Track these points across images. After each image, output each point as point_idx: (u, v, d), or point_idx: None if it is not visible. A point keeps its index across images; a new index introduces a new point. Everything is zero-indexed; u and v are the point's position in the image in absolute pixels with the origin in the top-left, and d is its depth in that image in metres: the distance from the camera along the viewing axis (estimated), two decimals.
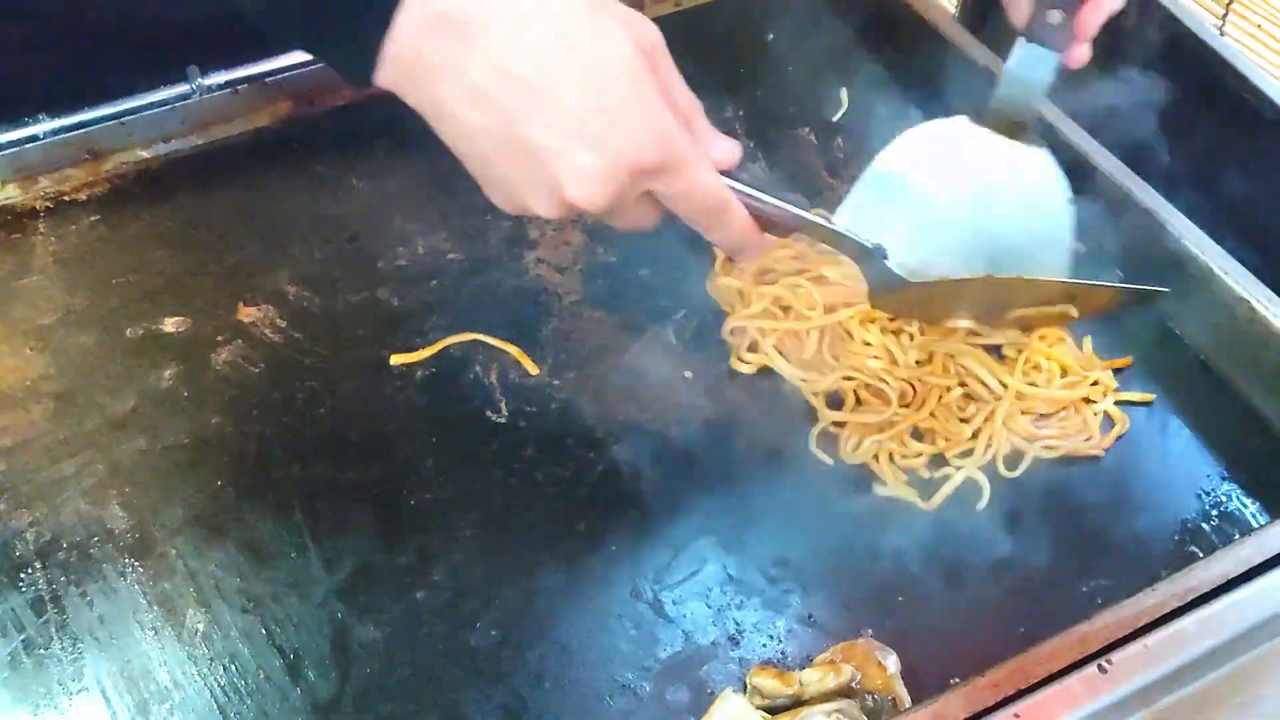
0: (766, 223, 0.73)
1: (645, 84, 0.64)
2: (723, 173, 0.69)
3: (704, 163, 0.68)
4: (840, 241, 0.78)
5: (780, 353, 0.87)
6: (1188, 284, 0.89)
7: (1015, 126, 0.86)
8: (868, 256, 0.79)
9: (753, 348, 0.88)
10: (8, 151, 0.98)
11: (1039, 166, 0.87)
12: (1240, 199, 0.96)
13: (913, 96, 1.07)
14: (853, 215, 0.88)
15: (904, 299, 0.83)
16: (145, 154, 1.00)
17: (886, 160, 0.88)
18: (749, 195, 0.71)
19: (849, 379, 0.86)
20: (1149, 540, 0.80)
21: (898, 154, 0.88)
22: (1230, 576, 0.70)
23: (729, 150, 0.71)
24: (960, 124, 0.87)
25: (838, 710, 0.68)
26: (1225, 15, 1.10)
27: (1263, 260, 0.89)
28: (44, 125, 1.00)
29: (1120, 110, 0.98)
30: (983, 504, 0.81)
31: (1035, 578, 0.78)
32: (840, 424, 0.84)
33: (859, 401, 0.85)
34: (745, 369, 0.87)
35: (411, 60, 0.63)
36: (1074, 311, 0.86)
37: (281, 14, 0.68)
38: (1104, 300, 0.88)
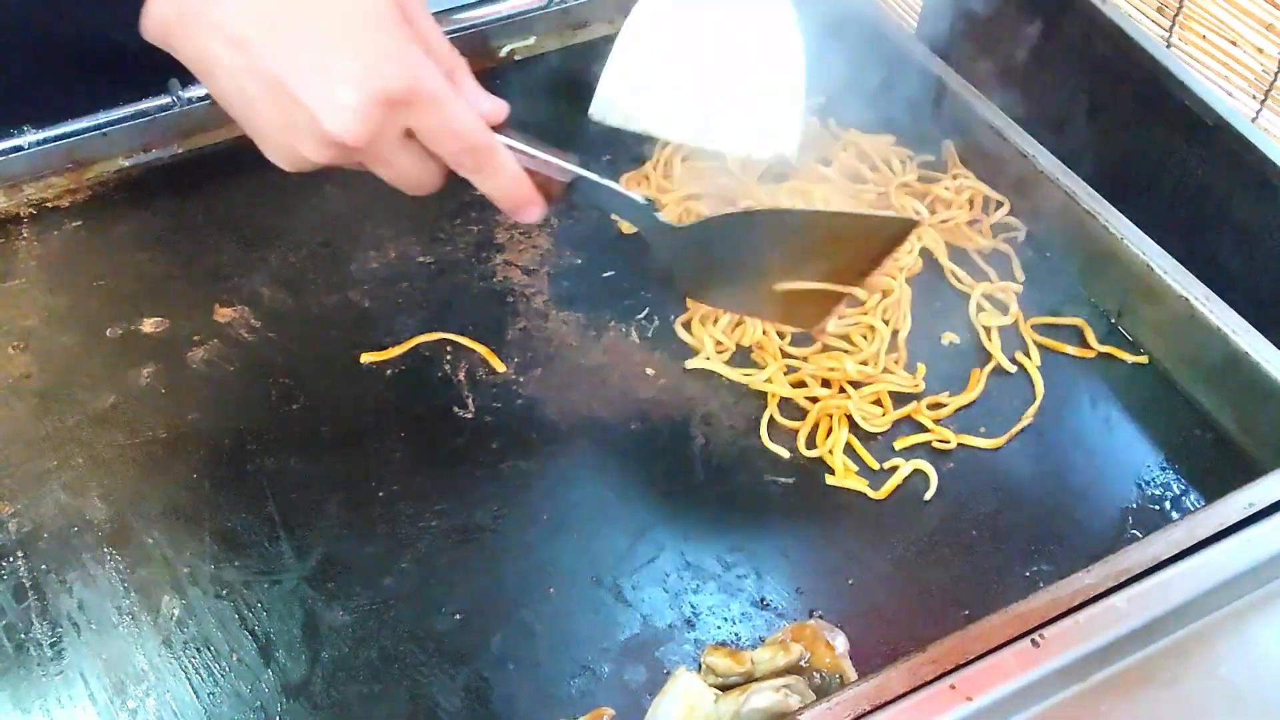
0: (542, 183, 0.74)
1: (394, 24, 0.67)
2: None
3: (460, 102, 0.69)
4: (613, 199, 0.77)
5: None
6: (1131, 283, 0.92)
7: None
8: (640, 212, 0.78)
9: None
10: None
11: (772, 16, 0.87)
12: (1182, 203, 1.00)
13: (874, 108, 1.11)
14: (608, 89, 0.87)
15: (710, 286, 0.83)
16: (126, 163, 1.04)
17: (631, 26, 0.88)
18: (519, 150, 0.72)
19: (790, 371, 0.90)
20: (1090, 527, 0.83)
21: (641, 18, 0.88)
22: (1161, 559, 0.73)
23: (494, 105, 0.72)
24: None
25: (785, 686, 0.70)
26: (1172, 27, 1.14)
27: (1202, 261, 0.92)
28: (29, 136, 1.03)
29: (1066, 115, 1.02)
30: (930, 494, 0.84)
31: (979, 564, 0.81)
32: (799, 415, 0.87)
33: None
34: (692, 364, 0.91)
35: (173, 12, 0.66)
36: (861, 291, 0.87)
37: None
38: (867, 233, 0.81)
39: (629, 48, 0.88)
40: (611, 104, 0.88)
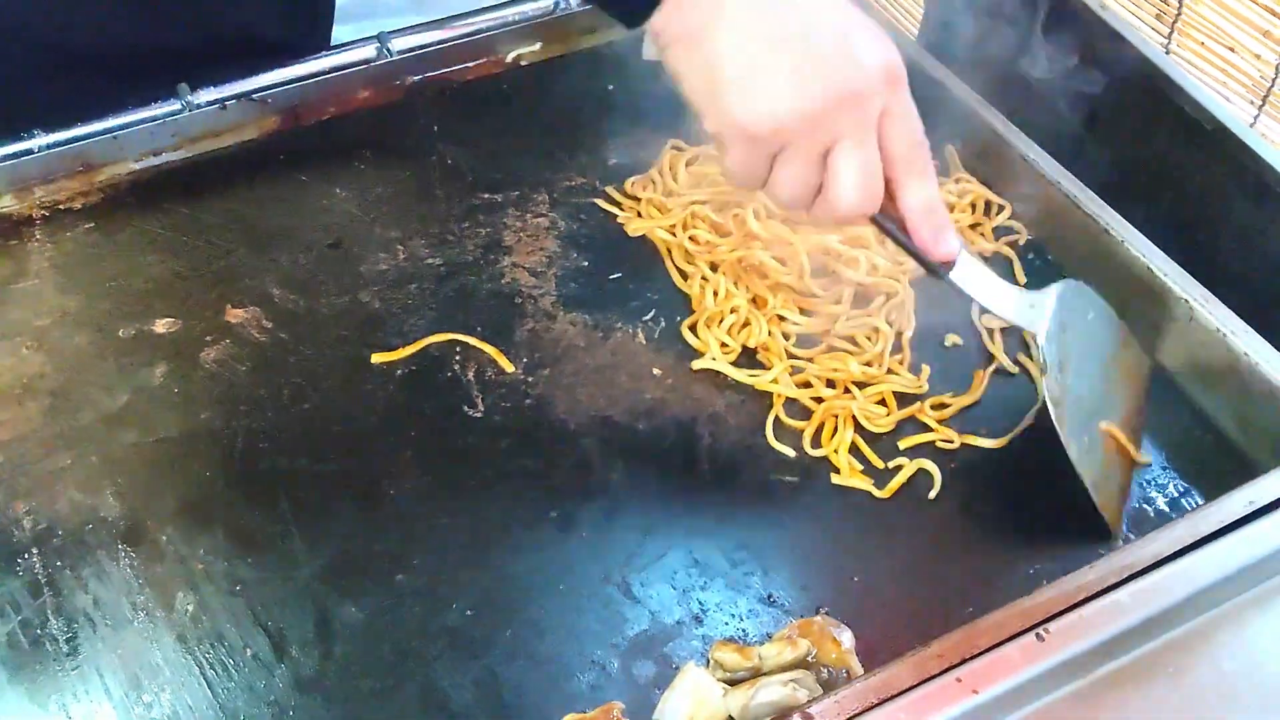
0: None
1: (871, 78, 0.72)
2: None
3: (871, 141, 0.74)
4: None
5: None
6: (1131, 286, 0.93)
7: None
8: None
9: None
10: (4, 164, 1.02)
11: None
12: (1181, 206, 1.01)
13: None
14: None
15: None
16: (137, 166, 1.04)
17: None
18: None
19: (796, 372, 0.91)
20: (1092, 526, 0.84)
21: None
22: (1163, 555, 0.74)
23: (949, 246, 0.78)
24: None
25: (793, 680, 0.71)
26: (1171, 34, 1.15)
27: (1201, 263, 0.93)
28: (39, 140, 1.04)
29: (1067, 121, 1.03)
30: (934, 493, 0.85)
31: (983, 561, 0.82)
32: (804, 415, 0.89)
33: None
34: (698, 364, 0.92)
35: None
36: None
37: None
38: None
39: None
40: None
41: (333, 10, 1.20)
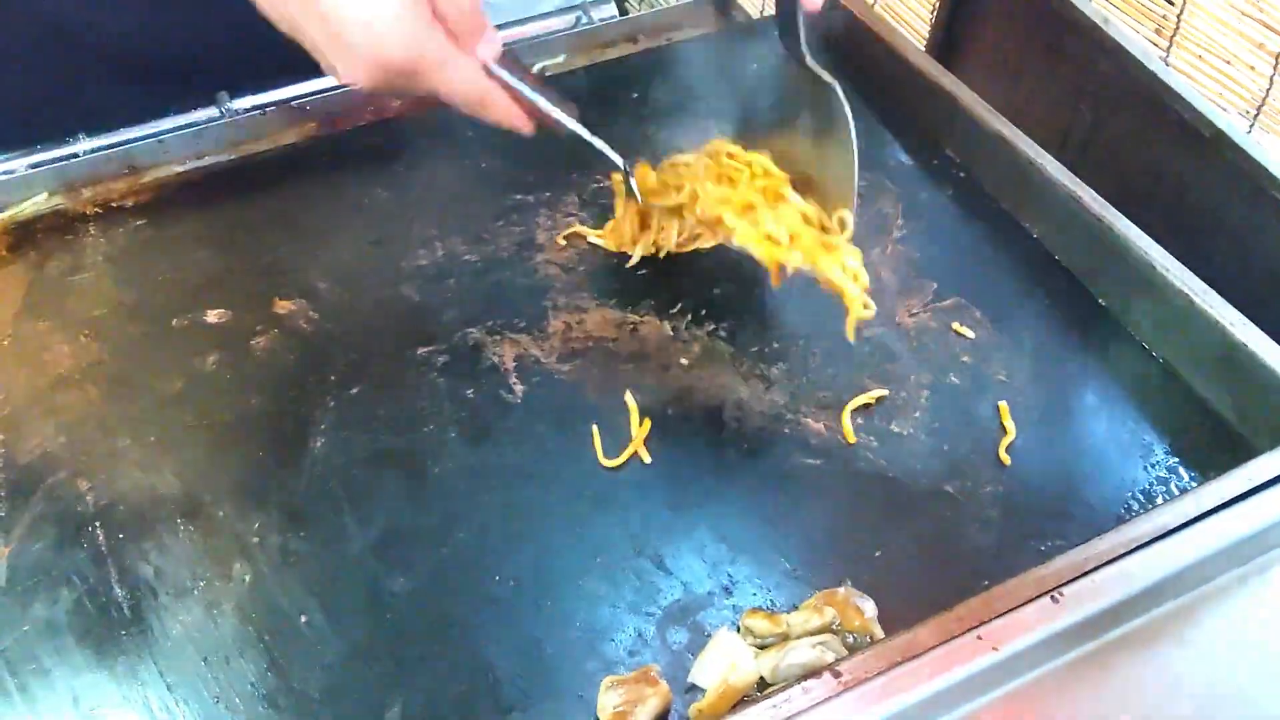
0: (532, 112, 0.86)
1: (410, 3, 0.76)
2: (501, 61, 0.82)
3: (459, 63, 0.79)
4: (592, 149, 0.90)
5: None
6: (1134, 282, 0.98)
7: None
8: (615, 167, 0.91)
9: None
10: (51, 166, 1.07)
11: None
12: (1179, 210, 1.06)
13: (881, 116, 1.17)
14: None
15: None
16: (180, 169, 1.09)
17: None
18: (514, 88, 0.84)
19: None
20: (1099, 507, 0.88)
21: None
22: (1169, 527, 0.78)
23: (491, 48, 0.82)
24: None
25: (821, 643, 0.76)
26: (1169, 47, 1.20)
27: (1198, 264, 0.97)
28: (83, 144, 1.09)
29: (1070, 129, 1.08)
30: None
31: (997, 539, 0.85)
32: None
33: None
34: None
35: None
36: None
37: None
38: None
39: None
40: None
41: None
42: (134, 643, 0.77)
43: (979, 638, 0.71)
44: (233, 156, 1.10)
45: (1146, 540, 0.77)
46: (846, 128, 0.91)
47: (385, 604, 0.80)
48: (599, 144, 0.90)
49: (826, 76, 0.90)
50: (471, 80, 0.81)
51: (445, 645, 0.78)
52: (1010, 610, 0.73)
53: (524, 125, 0.86)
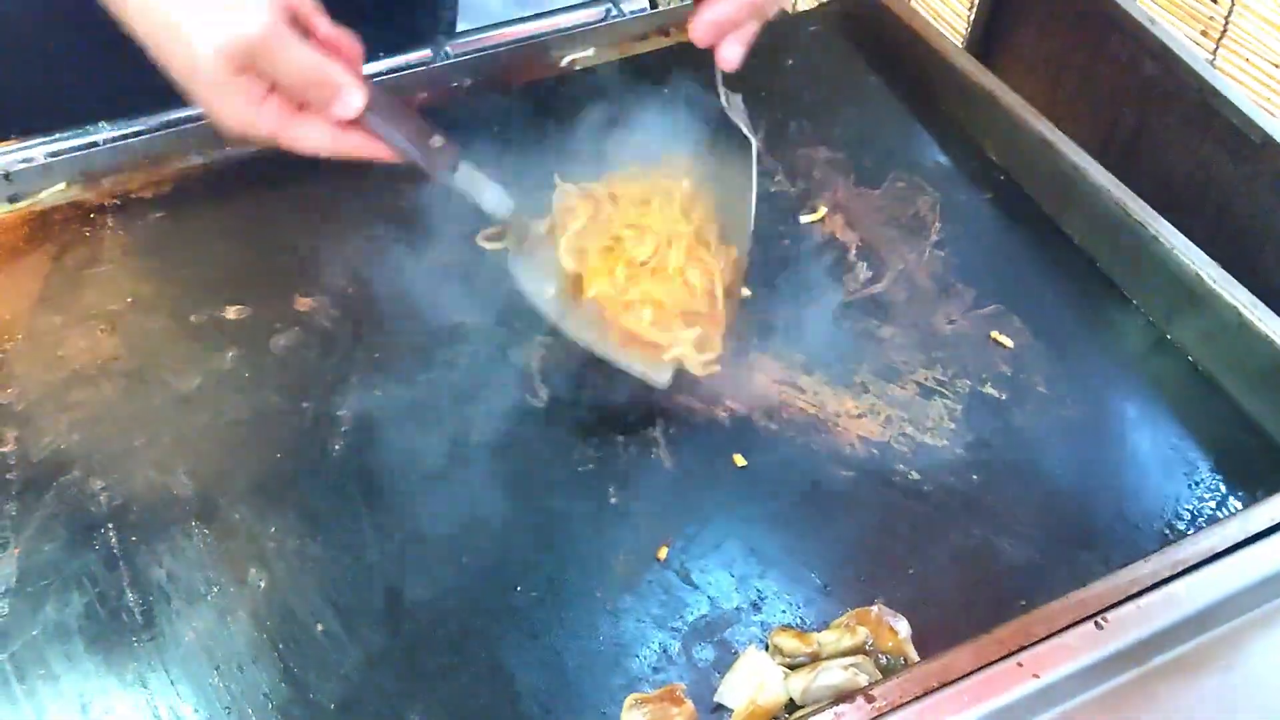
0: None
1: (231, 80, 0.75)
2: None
3: (299, 47, 0.76)
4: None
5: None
6: (1180, 292, 0.95)
7: None
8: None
9: None
10: (72, 155, 1.05)
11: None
12: (1225, 216, 1.03)
13: (920, 116, 1.15)
14: None
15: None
16: (201, 160, 1.07)
17: None
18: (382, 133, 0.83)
19: None
20: (1142, 525, 0.85)
21: None
22: (1216, 550, 0.75)
23: (349, 44, 0.81)
24: None
25: (853, 665, 0.73)
26: (1216, 49, 1.17)
27: (1244, 273, 0.95)
28: (104, 133, 1.07)
29: (1114, 132, 1.05)
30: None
31: (1035, 557, 0.83)
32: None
33: None
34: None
35: None
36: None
37: None
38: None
39: None
40: None
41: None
42: (145, 649, 0.76)
43: (1019, 664, 0.69)
44: (255, 149, 1.07)
45: (1193, 564, 0.74)
46: (749, 187, 0.88)
47: (404, 613, 0.78)
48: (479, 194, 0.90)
49: (746, 131, 0.88)
50: (315, 64, 0.78)
51: (465, 656, 0.76)
52: (1051, 635, 0.71)
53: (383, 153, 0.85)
